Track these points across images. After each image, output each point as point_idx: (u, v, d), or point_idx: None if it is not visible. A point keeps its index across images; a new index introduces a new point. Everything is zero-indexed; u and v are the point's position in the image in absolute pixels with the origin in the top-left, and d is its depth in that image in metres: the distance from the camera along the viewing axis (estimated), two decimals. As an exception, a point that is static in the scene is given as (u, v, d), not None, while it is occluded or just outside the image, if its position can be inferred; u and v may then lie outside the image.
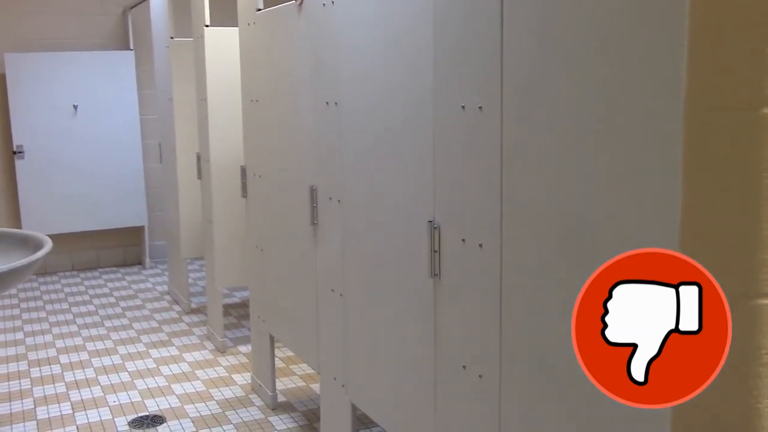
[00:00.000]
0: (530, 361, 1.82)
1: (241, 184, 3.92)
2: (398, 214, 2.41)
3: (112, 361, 4.41)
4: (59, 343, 4.72)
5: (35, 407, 3.78)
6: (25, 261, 2.91)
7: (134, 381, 4.10)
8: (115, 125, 6.47)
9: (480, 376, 2.02)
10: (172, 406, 3.76)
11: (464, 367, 2.09)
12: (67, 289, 6.02)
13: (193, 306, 5.43)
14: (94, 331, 4.96)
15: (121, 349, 4.60)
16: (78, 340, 4.78)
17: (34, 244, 3.50)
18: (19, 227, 6.04)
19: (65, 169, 6.33)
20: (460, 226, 2.07)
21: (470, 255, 2.03)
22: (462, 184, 2.04)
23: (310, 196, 3.02)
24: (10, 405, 3.81)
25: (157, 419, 3.62)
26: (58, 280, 6.30)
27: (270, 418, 3.60)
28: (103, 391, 3.96)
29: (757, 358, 0.98)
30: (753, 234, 0.94)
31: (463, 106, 1.99)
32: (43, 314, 5.35)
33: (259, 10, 3.51)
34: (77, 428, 3.53)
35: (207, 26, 4.33)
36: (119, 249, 6.79)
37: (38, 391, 3.98)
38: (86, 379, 4.14)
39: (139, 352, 4.56)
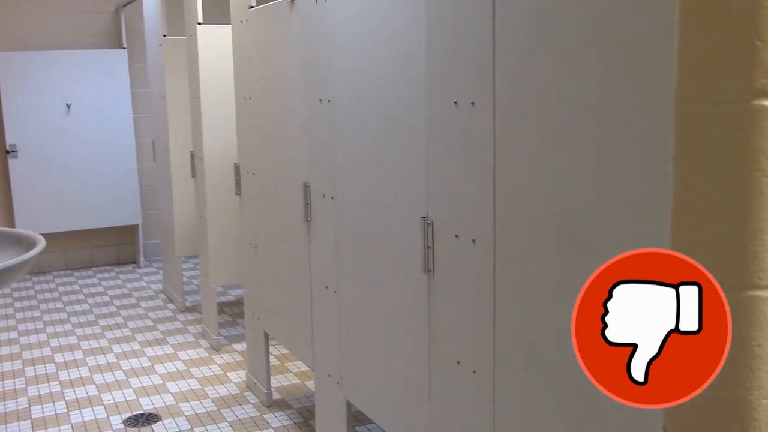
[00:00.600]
0: (523, 356, 1.83)
1: (235, 182, 3.92)
2: (392, 211, 2.41)
3: (107, 359, 4.41)
4: (53, 342, 4.72)
5: (29, 406, 3.77)
6: (17, 260, 2.90)
7: (129, 379, 4.09)
8: (108, 124, 6.46)
9: (474, 371, 2.03)
10: (167, 404, 3.76)
11: (458, 362, 2.10)
12: (61, 288, 6.00)
13: (188, 304, 5.42)
14: (88, 330, 4.95)
15: (116, 348, 4.60)
16: (72, 339, 4.77)
17: (28, 243, 3.49)
18: (13, 226, 6.02)
19: (59, 168, 6.31)
20: (454, 222, 2.07)
21: (463, 250, 2.03)
22: (455, 179, 2.04)
23: (304, 193, 3.02)
24: (4, 404, 3.80)
25: (152, 417, 3.61)
26: (52, 279, 6.29)
27: (265, 416, 3.60)
28: (97, 390, 3.95)
29: (748, 350, 0.99)
30: (744, 226, 0.94)
31: (455, 102, 1.99)
32: (37, 313, 5.33)
33: (252, 7, 3.50)
34: (72, 427, 3.53)
35: (200, 24, 4.32)
36: (113, 248, 6.77)
37: (32, 390, 3.97)
38: (81, 377, 4.14)
39: (133, 350, 4.55)
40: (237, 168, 3.87)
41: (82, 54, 6.38)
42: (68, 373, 4.21)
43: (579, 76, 1.57)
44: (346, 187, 2.69)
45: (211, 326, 4.59)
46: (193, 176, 4.75)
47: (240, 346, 4.52)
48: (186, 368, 4.24)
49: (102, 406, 3.75)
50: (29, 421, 3.61)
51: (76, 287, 6.04)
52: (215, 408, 3.70)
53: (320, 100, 2.83)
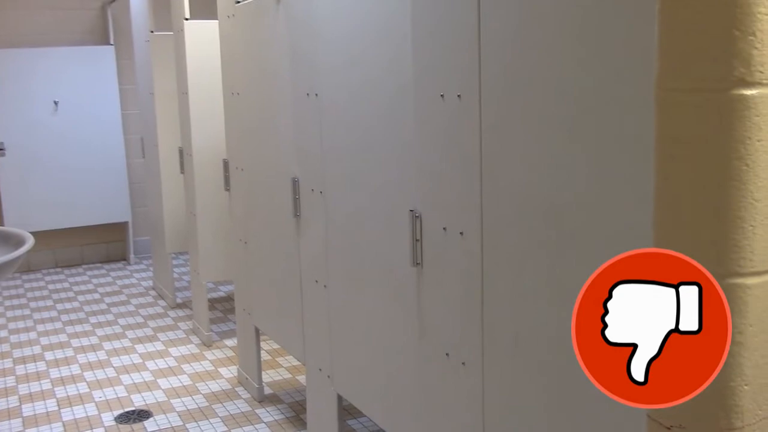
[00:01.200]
0: (512, 348, 1.84)
1: (224, 178, 3.91)
2: (380, 204, 2.42)
3: (98, 356, 4.40)
4: (44, 340, 4.70)
5: (21, 404, 3.77)
6: (6, 258, 2.89)
7: (120, 376, 4.09)
8: (96, 121, 6.43)
9: (463, 363, 2.04)
10: (159, 400, 3.76)
11: (447, 354, 2.11)
12: (51, 286, 5.99)
13: (179, 301, 5.42)
14: (78, 328, 4.94)
15: (107, 345, 4.59)
16: (63, 337, 4.76)
17: (16, 241, 3.48)
18: (1, 224, 5.99)
19: (47, 165, 6.28)
20: (441, 215, 2.08)
21: (451, 243, 2.04)
22: (442, 172, 2.05)
23: (293, 187, 3.02)
24: (-5, 403, 3.80)
25: (143, 414, 3.61)
26: (42, 277, 6.27)
27: (257, 411, 3.60)
28: (88, 387, 3.95)
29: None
30: (723, 214, 0.95)
31: (442, 96, 2.00)
32: (27, 311, 5.32)
33: (239, 2, 3.50)
34: (63, 425, 3.52)
35: (187, 20, 4.30)
36: (103, 245, 6.75)
37: (23, 389, 3.96)
38: (72, 375, 4.13)
39: (124, 347, 4.55)
40: (226, 164, 3.87)
41: (69, 51, 6.35)
42: (59, 370, 4.20)
43: (565, 68, 1.58)
44: (335, 182, 2.70)
45: (202, 322, 4.59)
46: (182, 172, 4.74)
47: (231, 342, 4.52)
48: (177, 364, 4.24)
49: (93, 404, 3.75)
50: (20, 419, 3.60)
51: (66, 285, 6.02)
52: (207, 404, 3.71)
53: (308, 94, 2.83)
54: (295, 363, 4.18)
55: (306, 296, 3.06)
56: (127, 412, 3.63)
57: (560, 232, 1.63)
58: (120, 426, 3.49)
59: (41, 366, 4.28)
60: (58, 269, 6.53)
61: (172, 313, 5.19)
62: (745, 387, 0.96)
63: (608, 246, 1.47)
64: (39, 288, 5.95)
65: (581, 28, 1.52)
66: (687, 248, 0.99)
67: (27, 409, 3.70)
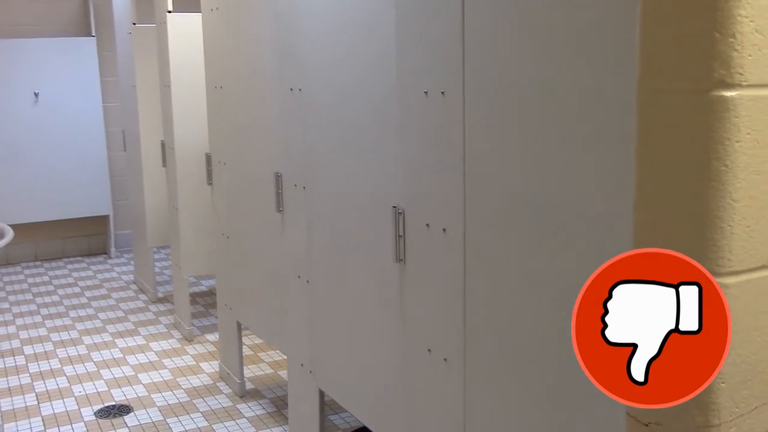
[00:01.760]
0: (494, 344, 1.85)
1: (207, 172, 3.90)
2: (363, 200, 2.42)
3: (78, 351, 4.37)
4: (23, 334, 4.66)
5: (-1, 399, 3.74)
6: (-15, 251, 2.87)
7: (100, 371, 4.06)
8: (77, 113, 6.37)
9: (445, 359, 2.04)
10: (139, 395, 3.74)
11: (429, 350, 2.11)
12: (30, 280, 5.94)
13: (160, 295, 5.39)
14: (58, 322, 4.90)
15: (87, 339, 4.56)
16: (42, 331, 4.72)
17: (-5, 234, 3.45)
18: (-20, 217, 5.93)
19: (27, 157, 6.22)
20: (425, 211, 2.08)
21: (434, 239, 2.05)
22: (426, 168, 2.05)
23: (275, 182, 3.01)
24: (-27, 397, 3.76)
25: (123, 409, 3.60)
26: (21, 271, 6.21)
27: (238, 406, 3.60)
28: (68, 382, 3.92)
29: (708, 335, 1.01)
30: (703, 214, 0.96)
31: (426, 92, 2.00)
32: (6, 305, 5.27)
33: (222, -5, 3.48)
34: (42, 419, 3.50)
35: (170, 12, 4.27)
36: (84, 238, 6.70)
37: (2, 383, 3.93)
38: (51, 369, 4.10)
39: (105, 341, 4.52)
40: (208, 158, 3.85)
41: (49, 42, 6.29)
42: (38, 365, 4.17)
43: (549, 65, 1.58)
44: (318, 177, 2.69)
45: (184, 317, 4.57)
46: (164, 166, 4.71)
47: (212, 337, 4.51)
48: (158, 359, 4.22)
49: (73, 398, 3.72)
50: (-1, 413, 3.57)
51: (45, 278, 5.97)
52: (188, 398, 3.69)
53: (291, 89, 2.82)
54: (277, 358, 4.18)
55: (288, 291, 3.06)
56: (107, 407, 3.62)
57: (543, 230, 1.64)
58: (100, 421, 3.47)
59: (20, 360, 4.24)
60: (38, 262, 6.48)
61: (153, 308, 5.17)
62: (722, 384, 0.97)
63: (591, 244, 1.48)
64: (18, 281, 5.90)
65: (564, 27, 1.53)
66: (666, 247, 1.00)
67: (5, 404, 3.67)
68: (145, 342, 4.50)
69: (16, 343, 4.51)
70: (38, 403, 3.68)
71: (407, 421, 2.26)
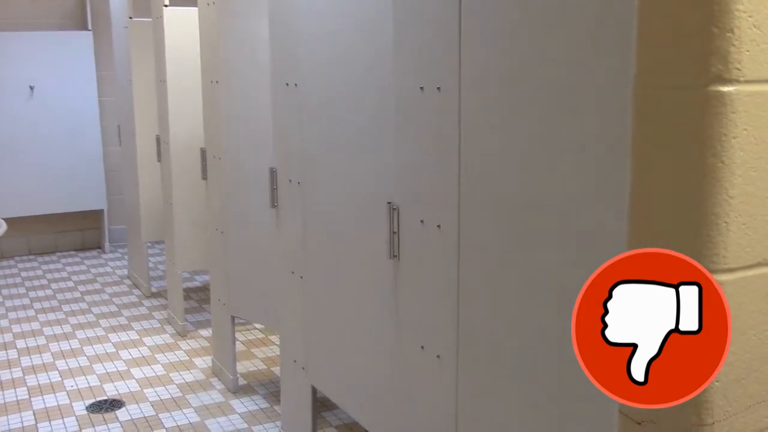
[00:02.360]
0: (487, 342, 1.84)
1: (201, 167, 3.88)
2: (358, 196, 2.41)
3: (70, 345, 4.35)
4: (15, 328, 4.65)
5: (-10, 392, 3.72)
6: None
7: (93, 365, 4.05)
8: (72, 107, 6.35)
9: (438, 356, 2.04)
10: (132, 390, 3.73)
11: (422, 347, 2.11)
12: (24, 274, 5.91)
13: (154, 290, 5.37)
14: (51, 316, 4.88)
15: (80, 334, 4.54)
16: (35, 325, 4.70)
17: (-12, 227, 3.44)
18: (-26, 210, 5.91)
19: (22, 151, 6.20)
20: (419, 208, 2.08)
21: (429, 236, 2.04)
22: (421, 165, 2.05)
23: (270, 178, 3.00)
24: (-36, 390, 3.75)
25: (115, 403, 3.58)
26: (15, 265, 6.19)
27: (231, 401, 3.59)
28: (60, 376, 3.91)
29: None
30: (698, 211, 0.95)
31: (421, 88, 1.99)
32: (-2, 299, 5.25)
33: (219, -11, 3.46)
34: (34, 413, 3.48)
35: (166, 6, 4.26)
36: (77, 233, 6.68)
37: (-7, 377, 3.91)
38: (43, 363, 4.08)
39: (98, 336, 4.51)
40: (203, 152, 3.84)
41: (45, 36, 6.26)
42: (30, 359, 4.15)
43: (546, 62, 1.58)
44: (313, 173, 2.68)
45: (177, 312, 4.56)
46: (159, 161, 4.69)
47: (206, 332, 4.50)
48: (151, 354, 4.21)
49: (65, 393, 3.71)
50: (-10, 407, 3.56)
51: (39, 272, 5.95)
52: (180, 394, 3.68)
53: (287, 84, 2.81)
54: (270, 354, 4.17)
55: (282, 287, 3.05)
56: (99, 402, 3.60)
57: (537, 227, 1.63)
58: (92, 415, 3.46)
59: (12, 354, 4.22)
60: (32, 256, 6.45)
61: (146, 303, 5.15)
62: (716, 383, 0.96)
63: (585, 243, 1.48)
64: (12, 275, 5.87)
65: (561, 23, 1.52)
66: (661, 245, 0.99)
67: (-3, 398, 3.66)
68: (138, 337, 4.48)
69: (8, 337, 4.49)
70: (30, 397, 3.66)
71: (400, 418, 2.25)
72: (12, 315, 4.90)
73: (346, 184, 2.48)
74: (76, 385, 3.80)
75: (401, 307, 2.20)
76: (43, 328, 4.64)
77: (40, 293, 5.39)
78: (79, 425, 3.36)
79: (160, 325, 4.70)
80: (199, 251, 4.42)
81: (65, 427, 3.34)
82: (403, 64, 2.08)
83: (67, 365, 4.05)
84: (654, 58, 0.97)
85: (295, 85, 2.74)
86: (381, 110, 2.21)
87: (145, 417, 3.43)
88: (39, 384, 3.81)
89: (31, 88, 6.19)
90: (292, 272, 2.92)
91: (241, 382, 3.78)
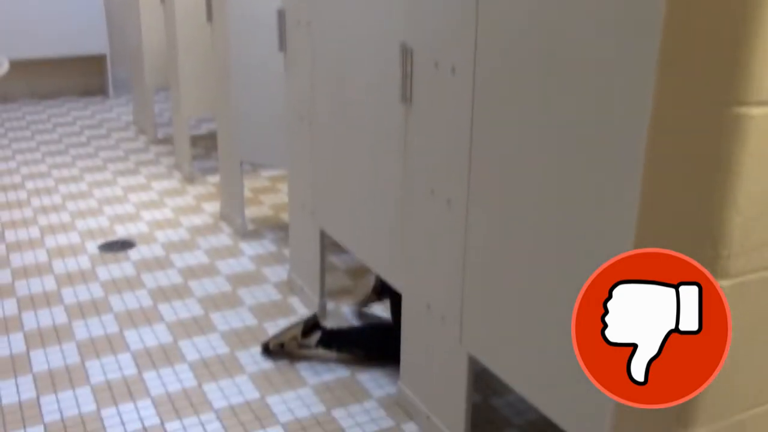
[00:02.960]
0: (498, 187, 1.85)
1: (206, 8, 3.76)
2: (370, 38, 2.34)
3: (79, 187, 4.40)
4: (24, 170, 4.67)
5: (3, 230, 3.79)
6: (-18, 79, 2.81)
7: (102, 207, 4.10)
8: (70, -57, 6.07)
9: (448, 200, 2.05)
10: (141, 232, 3.80)
11: (432, 192, 2.12)
12: (29, 117, 5.88)
13: (160, 137, 5.36)
14: (59, 159, 4.90)
15: (88, 177, 4.58)
16: (43, 168, 4.73)
17: (-9, 65, 3.38)
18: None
19: (20, -10, 5.99)
20: (434, 49, 2.02)
21: (443, 79, 2.00)
22: (437, 5, 1.97)
23: (279, 20, 2.91)
24: (-23, 228, 3.82)
25: (126, 244, 3.66)
26: (19, 108, 6.14)
27: (240, 245, 3.66)
28: (71, 217, 3.97)
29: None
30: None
31: None
32: (5, 141, 5.25)
33: None
34: (47, 251, 3.57)
35: None
36: (81, 78, 6.58)
37: (5, 215, 3.97)
38: (53, 204, 4.14)
39: (106, 179, 4.54)
40: (208, -7, 3.70)
41: None
42: (40, 199, 4.20)
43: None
44: (323, 13, 2.60)
45: (184, 158, 4.57)
46: (162, 2, 4.54)
47: (213, 179, 4.53)
48: (159, 198, 4.25)
49: (76, 232, 3.78)
50: (3, 245, 3.63)
51: (44, 117, 5.91)
52: (189, 237, 3.75)
53: None
54: (278, 201, 4.22)
55: (290, 132, 3.03)
56: (111, 242, 3.68)
57: (556, 70, 1.59)
58: (104, 254, 3.54)
59: (22, 195, 4.27)
60: (36, 100, 6.40)
61: (153, 149, 5.15)
62: (737, 218, 0.96)
63: (604, 93, 1.44)
64: (17, 118, 5.84)
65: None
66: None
67: (10, 235, 3.73)
68: (146, 181, 4.52)
69: (17, 179, 4.53)
70: (42, 235, 3.74)
71: (407, 261, 2.30)
72: (20, 157, 4.92)
73: (357, 25, 2.40)
74: (87, 225, 3.86)
75: (412, 151, 2.19)
76: (51, 171, 4.67)
77: (47, 137, 5.38)
78: (91, 263, 3.44)
79: (167, 170, 4.72)
80: (205, 97, 4.36)
81: (78, 265, 3.43)
82: None
83: (77, 207, 4.11)
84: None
85: None
86: (397, -55, 2.11)
87: (155, 257, 3.52)
88: (50, 224, 3.87)
89: None
90: (301, 117, 2.89)
91: (250, 226, 3.85)
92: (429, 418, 2.29)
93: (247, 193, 4.21)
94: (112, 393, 2.51)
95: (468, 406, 2.13)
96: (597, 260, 1.50)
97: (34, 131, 5.51)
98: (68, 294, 3.16)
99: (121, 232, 3.79)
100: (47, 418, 2.39)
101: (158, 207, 4.12)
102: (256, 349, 2.76)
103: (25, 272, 3.35)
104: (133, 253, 3.55)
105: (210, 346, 2.79)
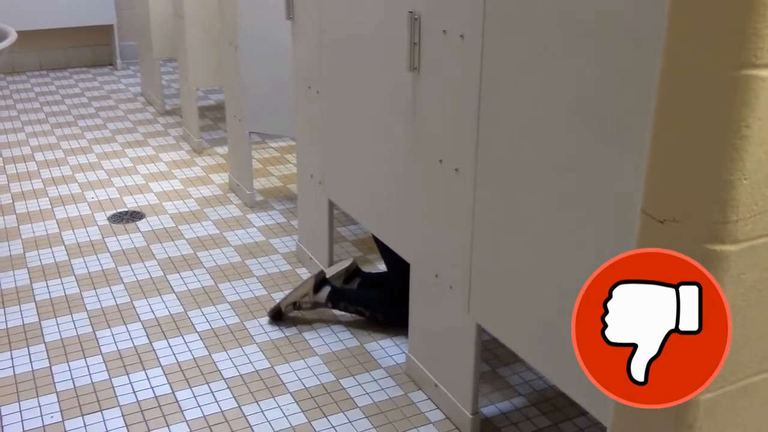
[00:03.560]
0: (506, 155, 1.83)
1: (213, -23, 3.73)
2: (377, 5, 2.32)
3: (88, 159, 4.40)
4: (33, 141, 4.68)
5: (13, 202, 3.81)
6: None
7: (111, 179, 4.11)
8: None
9: (456, 169, 2.04)
10: (151, 203, 3.81)
11: (441, 161, 2.11)
12: (37, 89, 5.88)
13: (168, 108, 5.35)
14: (67, 130, 4.90)
15: (97, 148, 4.58)
16: (52, 139, 4.73)
17: (-2, 35, 3.37)
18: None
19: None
20: (442, 17, 2.00)
21: (451, 47, 1.98)
22: (445, -30, 1.95)
23: (286, -13, 2.88)
24: (-12, 200, 3.84)
25: (136, 215, 3.67)
26: (27, 80, 6.14)
27: (248, 216, 3.67)
28: (80, 188, 3.98)
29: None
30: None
31: None
32: (14, 113, 5.25)
33: None
34: (57, 222, 3.58)
35: None
36: (88, 48, 6.56)
37: (15, 187, 3.99)
38: (63, 176, 4.15)
39: (114, 151, 4.54)
40: (215, -39, 3.67)
41: None
42: (50, 171, 4.22)
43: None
44: (331, -19, 2.57)
45: (192, 129, 4.56)
46: (168, -29, 4.51)
47: (222, 150, 4.52)
48: (168, 169, 4.26)
49: (86, 203, 3.79)
50: (14, 215, 3.65)
51: (52, 88, 5.91)
52: (198, 207, 3.76)
53: None
54: (287, 172, 4.21)
55: (298, 102, 3.02)
56: (120, 213, 3.69)
57: (565, 37, 1.57)
58: (113, 225, 3.55)
59: (32, 166, 4.28)
60: (44, 71, 6.39)
61: (161, 120, 5.15)
62: (745, 181, 0.95)
63: (608, 70, 1.42)
64: (25, 90, 5.84)
65: None
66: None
67: (20, 207, 3.75)
68: (154, 153, 4.52)
69: (26, 150, 4.54)
70: (52, 207, 3.75)
71: (416, 231, 2.30)
72: (28, 129, 4.92)
73: (365, -8, 2.38)
74: (97, 197, 3.87)
75: (420, 120, 2.18)
76: (60, 142, 4.67)
77: (55, 108, 5.38)
78: (101, 234, 3.46)
79: (175, 141, 4.72)
80: (213, 67, 4.34)
81: (88, 236, 3.44)
82: None
83: (86, 178, 4.12)
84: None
85: None
86: None
87: (165, 228, 3.53)
88: (60, 195, 3.89)
89: None
90: (309, 87, 2.87)
91: (258, 197, 3.85)
92: (437, 387, 2.31)
93: (256, 164, 4.21)
94: (123, 362, 2.54)
95: (476, 375, 2.14)
96: (606, 227, 1.50)
97: (43, 102, 5.51)
98: (79, 265, 3.18)
99: (130, 203, 3.80)
100: (60, 387, 2.41)
101: (167, 178, 4.13)
102: (265, 319, 2.78)
103: (36, 243, 3.37)
104: (142, 225, 3.56)
105: (219, 316, 2.81)
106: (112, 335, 2.69)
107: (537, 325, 1.81)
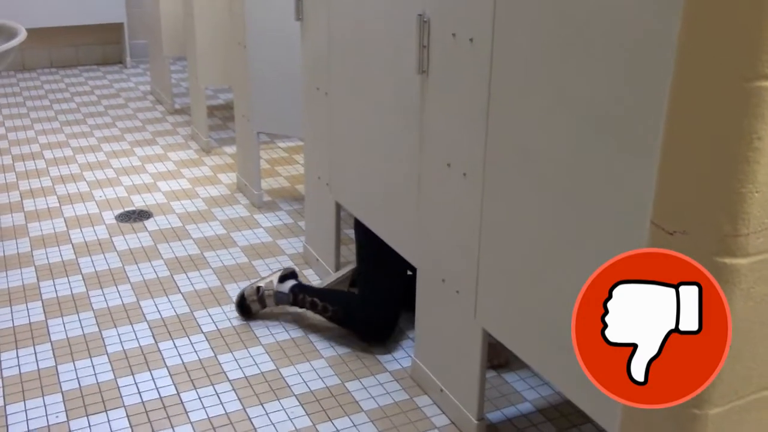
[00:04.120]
0: (514, 160, 1.82)
1: (223, -23, 3.73)
2: (386, 7, 2.31)
3: (97, 158, 4.41)
4: (42, 139, 4.69)
5: (22, 200, 3.82)
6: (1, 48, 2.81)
7: (120, 177, 4.12)
8: None
9: (464, 173, 2.03)
10: (159, 202, 3.81)
11: (449, 165, 2.10)
12: (47, 86, 5.89)
13: (177, 106, 5.36)
14: (76, 129, 4.91)
15: (105, 147, 4.59)
16: (61, 137, 4.74)
17: (9, 33, 3.38)
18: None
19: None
20: (451, 20, 1.99)
21: (460, 50, 1.97)
22: (455, -27, 1.94)
23: (295, -12, 2.87)
24: (-4, 197, 3.85)
25: (144, 214, 3.67)
26: (37, 77, 6.15)
27: (256, 216, 3.66)
28: (88, 187, 3.99)
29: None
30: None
31: None
32: (24, 110, 5.27)
33: None
34: (65, 221, 3.59)
35: None
36: (98, 46, 6.58)
37: (23, 185, 4.00)
38: (71, 174, 4.15)
39: (123, 149, 4.55)
40: (225, -39, 3.67)
41: None
42: (58, 169, 4.22)
43: None
44: (340, -18, 2.56)
45: (201, 128, 4.56)
46: (178, -30, 4.51)
47: (230, 149, 4.52)
48: (176, 169, 4.26)
49: (94, 202, 3.80)
50: (22, 213, 3.66)
51: (62, 86, 5.92)
52: (206, 207, 3.76)
53: None
54: (294, 172, 4.21)
55: (306, 103, 3.01)
56: (128, 212, 3.69)
57: (575, 41, 1.56)
58: (121, 224, 3.56)
59: (40, 164, 4.29)
60: (54, 69, 6.40)
61: (170, 119, 5.15)
62: (756, 194, 0.94)
63: (618, 67, 1.41)
64: (35, 87, 5.86)
65: None
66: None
67: (28, 204, 3.76)
68: (163, 152, 4.52)
69: (35, 148, 4.55)
70: (60, 205, 3.76)
71: (423, 235, 2.29)
72: (38, 126, 4.94)
73: (374, -6, 2.37)
74: (105, 195, 3.88)
75: (428, 123, 2.17)
76: (69, 141, 4.68)
77: (64, 106, 5.39)
78: (109, 233, 3.46)
79: (184, 141, 4.72)
80: (222, 67, 4.34)
81: (96, 235, 3.44)
82: None
83: (95, 177, 4.12)
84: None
85: None
86: None
87: (172, 228, 3.53)
88: (68, 193, 3.89)
89: None
90: (317, 88, 2.86)
91: (266, 198, 3.85)
92: (442, 392, 2.30)
93: (264, 164, 4.21)
94: (128, 362, 2.54)
95: (481, 380, 2.13)
96: (615, 235, 1.49)
97: (52, 100, 5.52)
98: (86, 264, 3.18)
99: (138, 202, 3.80)
100: (65, 387, 2.41)
101: (175, 177, 4.13)
102: (272, 322, 2.77)
103: (43, 241, 3.38)
104: (149, 224, 3.56)
105: (226, 317, 2.81)
106: (118, 335, 2.69)
107: (543, 331, 1.80)
